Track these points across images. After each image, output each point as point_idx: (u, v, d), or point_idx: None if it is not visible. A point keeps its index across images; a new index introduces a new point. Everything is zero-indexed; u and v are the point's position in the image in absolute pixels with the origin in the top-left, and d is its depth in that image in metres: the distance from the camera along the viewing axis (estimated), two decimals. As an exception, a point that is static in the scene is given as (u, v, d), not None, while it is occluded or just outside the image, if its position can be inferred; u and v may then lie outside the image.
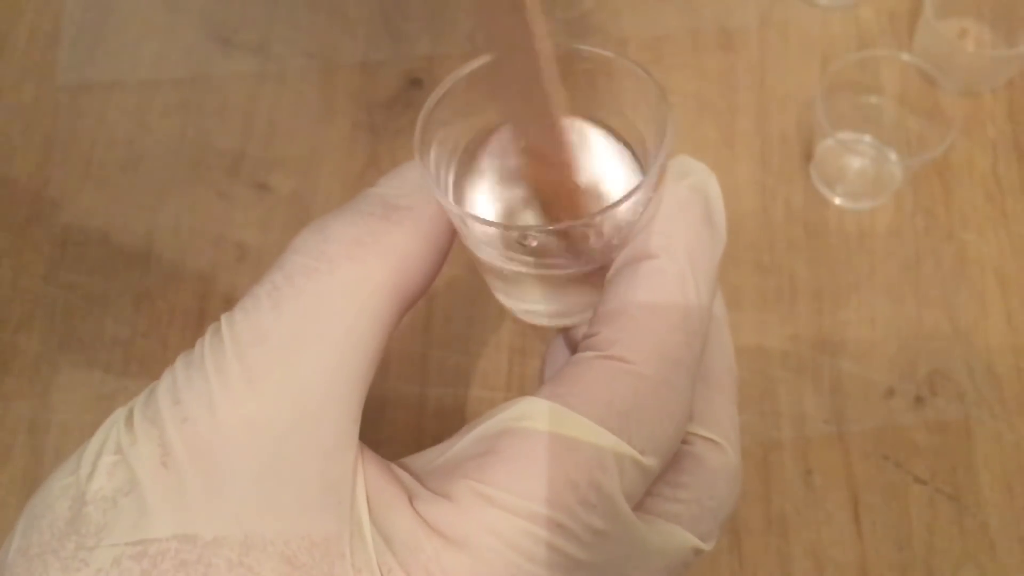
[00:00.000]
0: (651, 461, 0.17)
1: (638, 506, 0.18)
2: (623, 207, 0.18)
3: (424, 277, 0.19)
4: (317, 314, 0.17)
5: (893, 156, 0.45)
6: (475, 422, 0.19)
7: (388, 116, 0.49)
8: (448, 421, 0.41)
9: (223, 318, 0.18)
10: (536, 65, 0.16)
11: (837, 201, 0.45)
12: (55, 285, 0.45)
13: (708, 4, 0.51)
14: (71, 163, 0.49)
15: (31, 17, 0.53)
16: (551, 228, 0.19)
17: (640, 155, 0.21)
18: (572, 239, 0.19)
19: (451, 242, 0.20)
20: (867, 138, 0.46)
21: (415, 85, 0.50)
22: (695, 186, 0.20)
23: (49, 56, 0.52)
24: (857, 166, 0.46)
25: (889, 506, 0.39)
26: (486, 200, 0.21)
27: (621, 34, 0.50)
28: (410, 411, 0.42)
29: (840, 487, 0.39)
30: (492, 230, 0.19)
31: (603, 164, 0.21)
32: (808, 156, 0.46)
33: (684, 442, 0.21)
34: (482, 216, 0.19)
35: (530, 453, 0.17)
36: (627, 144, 0.22)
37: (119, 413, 0.18)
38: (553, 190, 0.20)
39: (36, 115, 0.50)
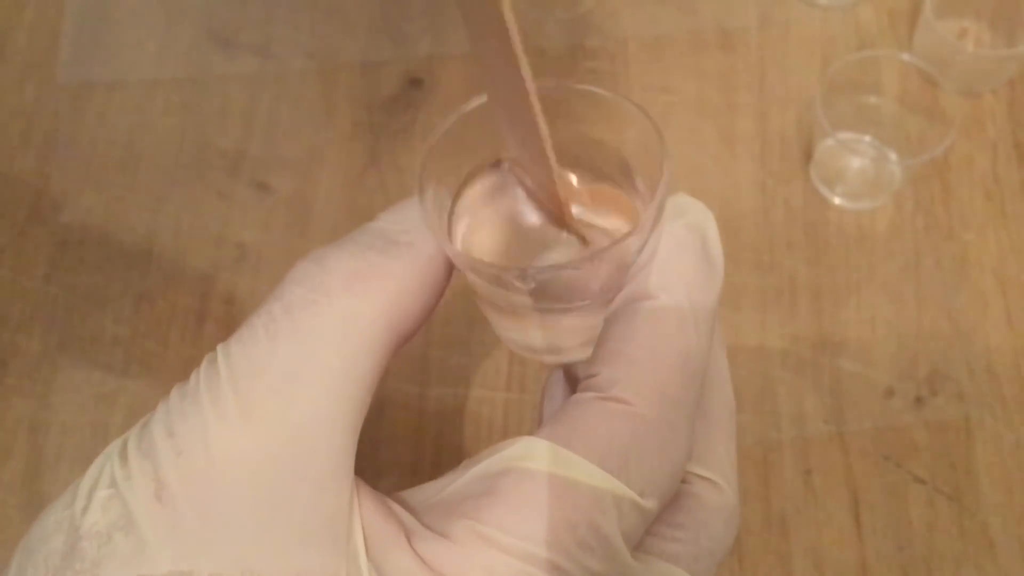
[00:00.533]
0: (650, 503, 0.18)
1: (636, 546, 0.18)
2: (621, 248, 0.18)
3: (420, 313, 0.19)
4: (314, 348, 0.17)
5: (893, 156, 0.45)
6: (474, 459, 0.18)
7: (389, 116, 0.49)
8: (448, 421, 0.41)
9: (219, 348, 0.18)
10: (528, 105, 0.17)
11: (837, 201, 0.45)
12: (55, 285, 0.46)
13: (708, 4, 0.51)
14: (71, 163, 0.49)
15: (32, 17, 0.53)
16: (548, 267, 0.19)
17: (634, 190, 0.21)
18: (570, 279, 0.19)
19: (448, 279, 0.20)
20: (867, 138, 0.46)
21: (415, 85, 0.50)
22: (692, 225, 0.20)
23: (49, 56, 0.52)
24: (857, 166, 0.46)
25: (889, 506, 0.39)
26: (485, 235, 0.21)
27: (621, 34, 0.50)
28: (410, 411, 0.42)
29: (840, 487, 0.39)
30: (491, 270, 0.19)
31: (601, 204, 0.22)
32: (808, 156, 0.46)
33: (682, 481, 0.21)
34: (480, 258, 0.19)
35: (529, 494, 0.17)
36: (623, 180, 0.22)
37: (113, 446, 0.18)
38: (550, 219, 0.20)
39: (36, 115, 0.50)
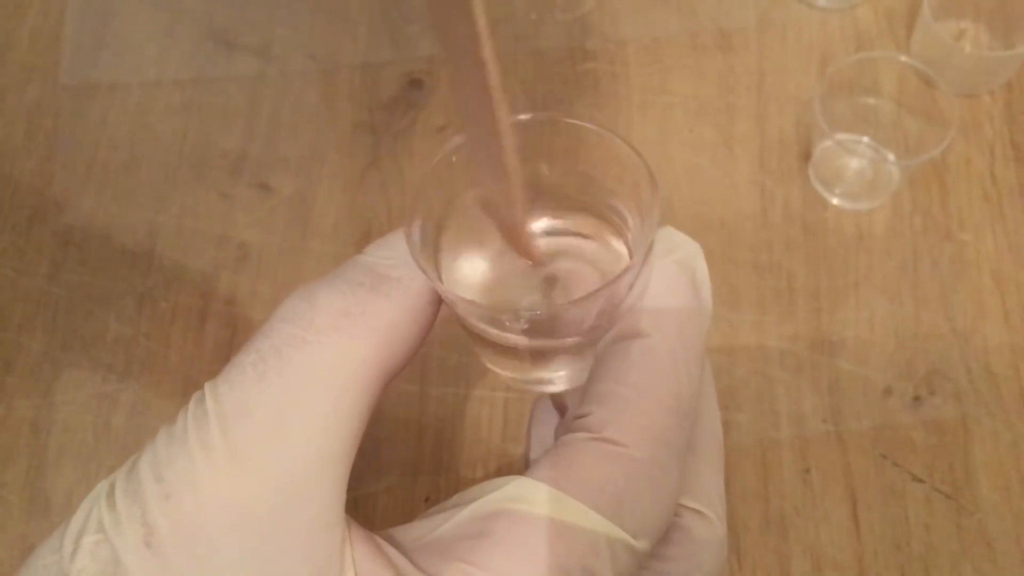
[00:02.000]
0: (643, 544, 0.18)
1: None
2: (611, 290, 0.18)
3: (409, 350, 0.19)
4: (303, 388, 0.17)
5: (891, 157, 0.46)
6: (466, 494, 0.18)
7: (389, 117, 0.49)
8: (448, 421, 0.41)
9: (207, 388, 0.18)
10: (500, 145, 0.17)
11: (835, 201, 0.45)
12: (58, 285, 0.46)
13: (707, 6, 0.51)
14: (74, 164, 0.49)
15: (34, 18, 0.54)
16: (539, 312, 0.20)
17: (621, 221, 0.22)
18: (560, 320, 0.20)
19: (436, 313, 0.20)
20: (865, 139, 0.46)
21: (416, 86, 0.50)
22: (682, 262, 0.20)
23: (52, 57, 0.52)
24: (855, 167, 0.46)
25: (887, 505, 0.39)
26: (471, 269, 0.21)
27: (620, 36, 0.50)
28: (410, 410, 0.42)
29: (838, 486, 0.40)
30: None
31: (589, 241, 0.22)
32: (806, 157, 0.47)
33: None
34: (472, 300, 0.20)
35: (524, 538, 0.17)
36: (609, 212, 0.22)
37: (101, 488, 0.18)
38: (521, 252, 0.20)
39: (39, 116, 0.51)
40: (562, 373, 0.23)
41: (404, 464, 0.41)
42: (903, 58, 0.44)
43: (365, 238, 0.46)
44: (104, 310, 0.45)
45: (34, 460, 0.42)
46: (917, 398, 0.41)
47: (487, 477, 0.40)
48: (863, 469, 0.40)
